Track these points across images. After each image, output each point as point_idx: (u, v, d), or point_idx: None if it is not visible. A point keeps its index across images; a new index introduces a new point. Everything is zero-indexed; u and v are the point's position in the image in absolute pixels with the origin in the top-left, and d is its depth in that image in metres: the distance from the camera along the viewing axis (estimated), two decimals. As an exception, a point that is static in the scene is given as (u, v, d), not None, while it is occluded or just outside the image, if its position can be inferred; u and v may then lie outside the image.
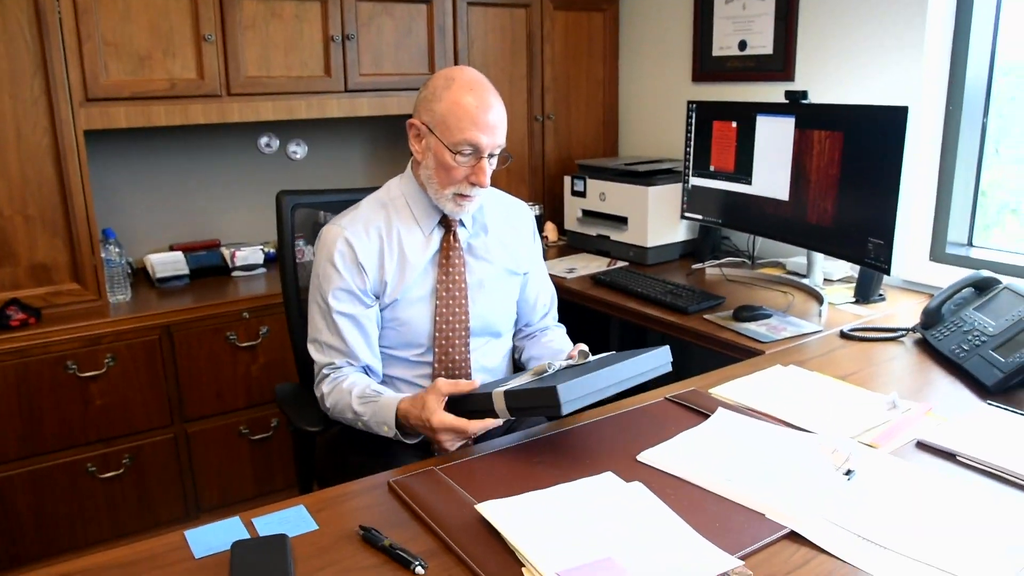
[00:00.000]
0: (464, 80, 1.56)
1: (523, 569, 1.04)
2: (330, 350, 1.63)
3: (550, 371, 1.45)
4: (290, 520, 1.20)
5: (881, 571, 1.04)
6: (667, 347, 1.47)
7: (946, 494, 1.21)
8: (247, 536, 1.16)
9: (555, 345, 1.78)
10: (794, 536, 1.11)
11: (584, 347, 1.61)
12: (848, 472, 1.25)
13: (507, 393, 1.36)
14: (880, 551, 1.07)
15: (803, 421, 1.48)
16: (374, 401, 1.52)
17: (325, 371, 1.63)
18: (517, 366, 1.86)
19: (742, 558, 1.06)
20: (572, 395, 1.30)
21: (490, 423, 1.41)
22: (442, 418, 1.40)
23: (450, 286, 1.66)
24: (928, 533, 1.11)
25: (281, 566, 1.06)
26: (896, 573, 1.03)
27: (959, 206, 2.41)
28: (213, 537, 1.16)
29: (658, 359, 1.45)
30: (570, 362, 1.51)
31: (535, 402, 1.33)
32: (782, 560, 1.07)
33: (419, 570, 1.05)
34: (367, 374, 1.65)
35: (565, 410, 1.29)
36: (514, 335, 1.88)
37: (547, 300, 1.89)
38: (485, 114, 1.54)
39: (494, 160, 1.61)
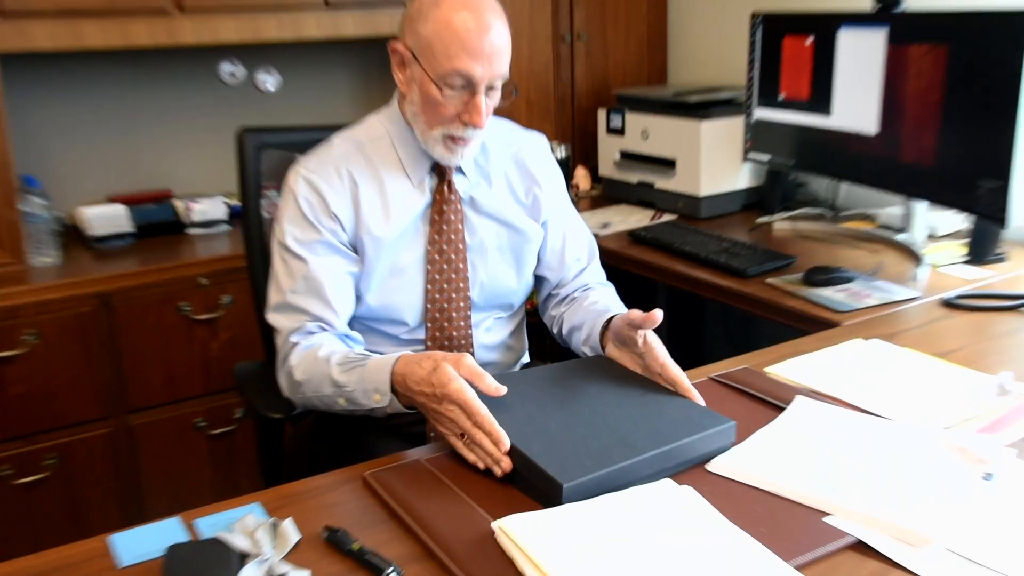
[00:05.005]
0: None
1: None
2: (300, 313, 1.58)
3: None
4: (240, 521, 1.20)
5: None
6: (733, 424, 1.35)
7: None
8: (188, 540, 1.16)
9: (600, 307, 1.68)
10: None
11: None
12: (987, 475, 1.24)
13: (513, 450, 1.27)
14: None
15: (880, 407, 1.46)
16: (361, 365, 1.46)
17: (294, 338, 1.57)
18: (558, 345, 1.80)
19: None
20: (581, 494, 1.21)
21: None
22: (460, 387, 1.30)
23: (444, 247, 1.64)
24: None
25: (225, 575, 1.06)
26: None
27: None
28: (145, 541, 1.17)
29: (718, 440, 1.34)
30: None
31: (538, 481, 1.24)
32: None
33: (393, 578, 1.05)
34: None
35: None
36: (546, 302, 1.85)
37: (582, 251, 1.83)
38: (480, 37, 1.50)
39: (494, 94, 1.58)
